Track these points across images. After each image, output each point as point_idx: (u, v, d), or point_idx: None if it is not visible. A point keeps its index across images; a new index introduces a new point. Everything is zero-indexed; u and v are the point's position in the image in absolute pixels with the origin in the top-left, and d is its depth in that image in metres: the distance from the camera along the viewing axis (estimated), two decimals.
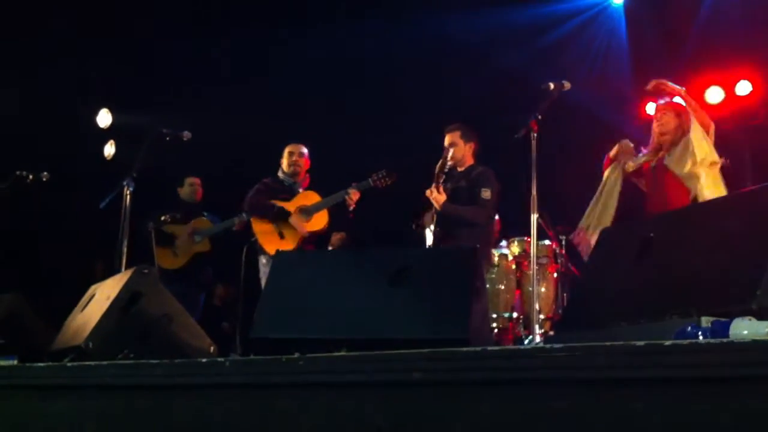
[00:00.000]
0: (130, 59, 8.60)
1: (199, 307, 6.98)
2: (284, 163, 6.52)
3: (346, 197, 6.08)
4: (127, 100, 8.80)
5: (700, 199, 4.96)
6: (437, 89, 8.54)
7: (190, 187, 7.30)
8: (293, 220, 6.22)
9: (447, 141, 6.00)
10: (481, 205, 5.77)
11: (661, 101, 5.56)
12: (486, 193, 5.76)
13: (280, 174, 6.54)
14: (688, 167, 5.09)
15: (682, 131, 5.30)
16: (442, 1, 8.53)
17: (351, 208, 6.14)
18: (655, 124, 5.48)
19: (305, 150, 6.56)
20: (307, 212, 6.23)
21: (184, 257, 6.95)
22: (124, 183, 5.64)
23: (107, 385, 3.06)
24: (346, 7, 8.78)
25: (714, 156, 5.12)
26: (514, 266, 6.53)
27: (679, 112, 5.38)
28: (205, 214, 7.17)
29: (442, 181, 5.79)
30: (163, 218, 6.78)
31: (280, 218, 6.25)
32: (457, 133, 6.00)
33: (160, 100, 8.59)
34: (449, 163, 5.90)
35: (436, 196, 5.71)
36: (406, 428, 2.30)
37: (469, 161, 5.98)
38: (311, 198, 6.33)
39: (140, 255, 6.61)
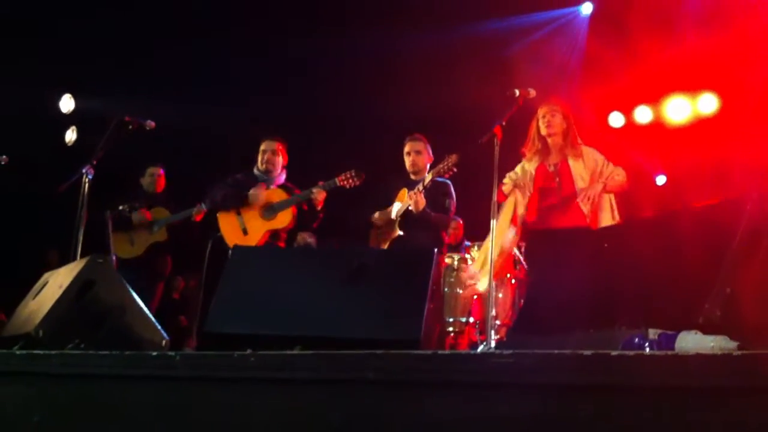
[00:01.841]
0: (96, 45, 8.48)
1: (156, 297, 6.89)
2: (258, 159, 6.44)
3: (312, 197, 6.12)
4: (92, 86, 8.69)
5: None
6: (405, 97, 8.52)
7: (151, 177, 7.20)
8: (252, 194, 6.18)
9: (411, 148, 6.20)
10: (446, 212, 6.07)
11: (546, 107, 5.55)
12: (450, 203, 6.08)
13: (255, 170, 6.46)
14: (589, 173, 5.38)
15: (571, 133, 5.46)
16: (417, 13, 8.53)
17: (319, 207, 6.19)
18: (541, 124, 5.49)
19: (280, 146, 6.47)
20: (272, 209, 6.21)
21: (141, 247, 6.87)
22: (83, 170, 5.55)
23: (56, 373, 3.02)
24: (316, 13, 8.74)
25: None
26: None
27: (566, 114, 5.49)
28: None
29: (426, 186, 5.92)
30: (121, 207, 6.68)
31: (241, 205, 6.21)
32: (422, 144, 6.22)
33: (125, 87, 8.49)
34: (410, 169, 6.15)
35: (419, 200, 5.84)
36: (358, 426, 2.31)
37: (425, 172, 6.13)
38: (278, 195, 6.29)
39: (97, 243, 6.53)
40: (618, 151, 8.71)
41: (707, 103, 8.67)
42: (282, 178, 6.46)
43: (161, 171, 7.25)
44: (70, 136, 8.56)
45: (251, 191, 6.20)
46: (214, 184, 6.43)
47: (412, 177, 6.20)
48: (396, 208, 6.02)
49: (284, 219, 6.20)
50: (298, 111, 9.01)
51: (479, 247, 6.61)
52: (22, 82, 8.01)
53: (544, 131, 5.47)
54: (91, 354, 3.06)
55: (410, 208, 5.88)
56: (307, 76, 9.01)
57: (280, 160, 6.45)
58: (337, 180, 6.13)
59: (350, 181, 6.12)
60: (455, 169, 5.85)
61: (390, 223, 6.04)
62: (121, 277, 3.94)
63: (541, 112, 5.50)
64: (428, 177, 5.94)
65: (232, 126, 8.83)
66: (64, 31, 8.23)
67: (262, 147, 6.43)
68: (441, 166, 5.87)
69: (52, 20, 8.17)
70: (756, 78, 7.84)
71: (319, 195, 6.10)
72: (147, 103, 7.64)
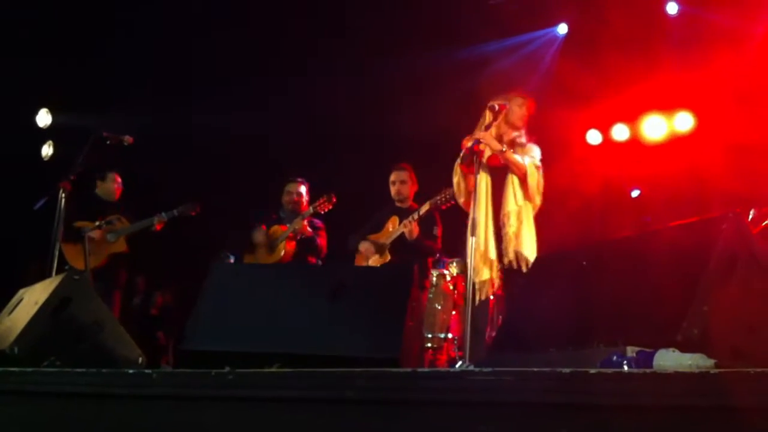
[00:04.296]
0: (74, 58, 8.43)
1: (114, 307, 6.50)
2: (284, 200, 6.95)
3: (296, 228, 6.63)
4: (68, 101, 8.63)
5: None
6: (388, 122, 8.52)
7: (113, 184, 6.91)
8: (254, 235, 6.80)
9: (397, 177, 6.52)
10: (435, 240, 6.33)
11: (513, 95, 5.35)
12: (437, 231, 6.34)
13: (281, 212, 6.95)
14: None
15: (528, 132, 5.29)
16: (402, 37, 8.57)
17: (307, 236, 6.69)
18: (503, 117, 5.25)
19: (302, 188, 6.95)
20: (273, 245, 6.72)
21: (99, 258, 6.58)
22: (60, 186, 5.49)
23: (31, 391, 2.99)
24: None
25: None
26: (451, 287, 6.57)
27: (531, 111, 5.33)
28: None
29: (422, 216, 6.18)
30: (98, 223, 6.46)
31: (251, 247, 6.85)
32: (406, 173, 6.55)
33: (102, 101, 8.43)
34: (395, 197, 6.50)
35: (413, 229, 6.11)
36: None
37: (410, 200, 6.50)
38: (278, 231, 6.76)
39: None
40: (595, 167, 8.85)
41: (683, 122, 8.75)
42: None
43: (118, 177, 7.00)
44: (47, 151, 8.49)
45: (254, 233, 6.82)
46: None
47: (398, 204, 6.51)
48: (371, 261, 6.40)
49: (281, 251, 6.70)
50: (279, 129, 9.01)
51: (458, 263, 6.64)
52: None
53: (505, 122, 5.27)
54: (67, 372, 3.02)
55: (405, 235, 6.15)
56: (290, 94, 8.99)
57: (304, 198, 6.94)
58: (311, 208, 6.67)
59: (324, 205, 6.62)
60: (453, 202, 5.96)
61: (380, 248, 6.36)
62: (97, 294, 3.91)
63: (503, 99, 5.27)
64: (425, 207, 6.17)
65: (197, 134, 8.87)
66: (42, 46, 8.18)
67: (287, 188, 6.93)
68: (438, 198, 6.10)
69: (29, 35, 8.11)
70: (731, 96, 7.93)
71: (297, 225, 6.62)
72: (122, 116, 7.62)
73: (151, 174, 8.26)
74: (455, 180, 5.37)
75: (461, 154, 5.22)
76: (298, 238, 6.71)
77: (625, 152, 9.05)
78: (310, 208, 6.69)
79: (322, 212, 6.68)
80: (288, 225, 6.73)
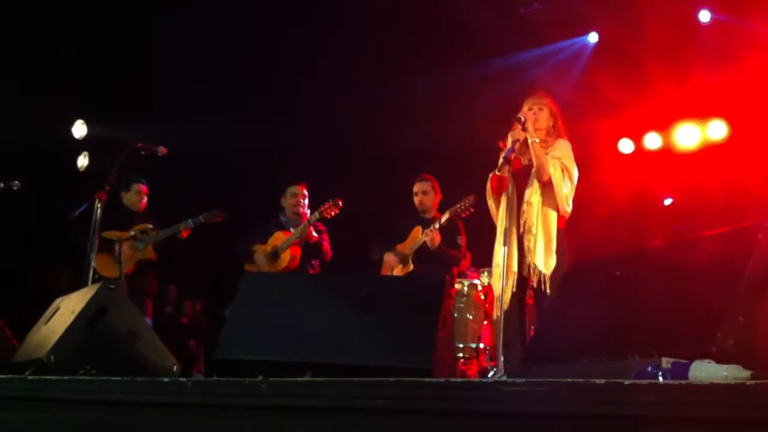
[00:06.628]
0: (110, 70, 8.55)
1: (146, 315, 6.42)
2: (288, 203, 6.75)
3: (300, 233, 6.48)
4: (104, 112, 8.75)
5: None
6: (417, 132, 8.53)
7: (138, 195, 6.85)
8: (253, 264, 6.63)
9: (419, 188, 6.53)
10: (458, 249, 6.34)
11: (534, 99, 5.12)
12: (461, 240, 6.35)
13: (281, 217, 6.78)
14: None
15: (557, 132, 5.05)
16: (429, 50, 8.60)
17: (312, 241, 6.55)
18: (528, 115, 5.01)
19: (305, 191, 6.78)
20: (275, 253, 6.55)
21: (127, 265, 6.50)
22: (95, 197, 5.55)
23: (68, 399, 3.03)
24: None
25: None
26: (483, 297, 6.53)
27: (554, 113, 5.09)
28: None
29: (443, 224, 6.20)
30: (133, 233, 6.49)
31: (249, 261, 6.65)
32: (429, 184, 6.56)
33: (137, 112, 8.53)
34: (419, 208, 6.52)
35: (435, 237, 6.14)
36: None
37: (434, 211, 6.50)
38: (281, 238, 6.59)
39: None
40: (627, 176, 8.79)
41: (717, 130, 8.66)
42: (305, 217, 6.72)
43: (145, 188, 6.94)
44: (82, 161, 8.60)
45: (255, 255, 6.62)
46: (242, 238, 6.76)
47: (422, 215, 6.51)
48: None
49: (285, 258, 6.54)
50: (304, 142, 9.06)
51: (489, 272, 6.61)
52: (35, 107, 8.07)
53: (529, 125, 4.98)
54: (103, 380, 3.06)
55: (427, 244, 6.15)
56: (317, 108, 9.04)
57: (306, 202, 6.76)
58: (317, 213, 6.52)
59: (331, 210, 6.50)
60: (473, 209, 5.93)
61: (404, 258, 6.36)
62: (133, 304, 3.95)
63: (527, 104, 5.12)
64: (446, 216, 6.18)
65: (225, 147, 8.93)
66: (78, 57, 8.30)
67: (292, 191, 6.75)
68: (459, 206, 6.12)
69: (66, 46, 8.24)
70: (765, 104, 7.84)
71: (304, 230, 6.48)
72: (157, 128, 7.69)
73: (181, 183, 8.34)
74: (489, 203, 5.22)
75: (491, 176, 5.05)
76: (304, 243, 6.54)
77: (658, 161, 8.98)
78: (316, 212, 6.51)
79: (329, 217, 6.54)
80: (292, 230, 6.56)
